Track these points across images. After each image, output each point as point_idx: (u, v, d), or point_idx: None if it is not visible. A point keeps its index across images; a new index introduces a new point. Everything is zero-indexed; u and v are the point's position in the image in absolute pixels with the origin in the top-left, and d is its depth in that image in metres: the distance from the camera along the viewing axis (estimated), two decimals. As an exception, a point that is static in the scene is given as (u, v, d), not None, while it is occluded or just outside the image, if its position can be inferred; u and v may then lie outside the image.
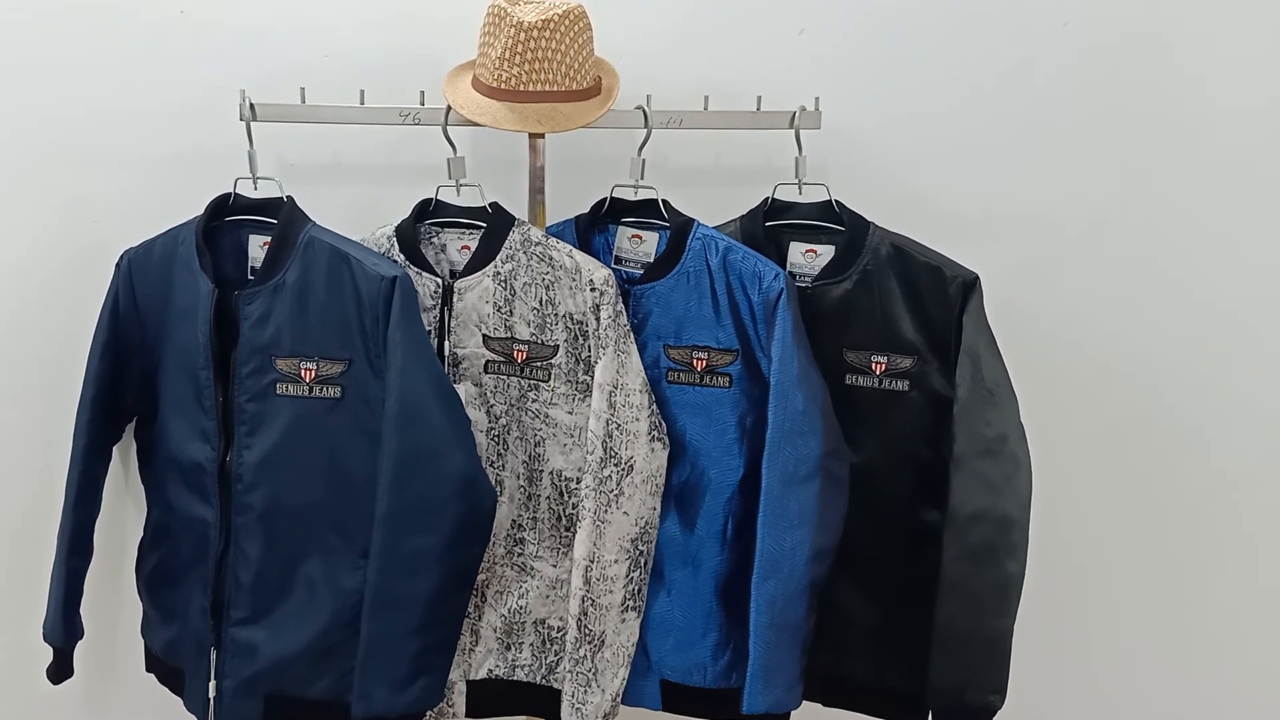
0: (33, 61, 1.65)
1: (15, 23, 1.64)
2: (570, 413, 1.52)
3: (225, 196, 1.55)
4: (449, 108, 1.53)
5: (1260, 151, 1.79)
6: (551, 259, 1.50)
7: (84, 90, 1.66)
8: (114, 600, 1.75)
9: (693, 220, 1.53)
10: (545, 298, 1.50)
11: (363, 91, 1.55)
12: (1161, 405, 1.85)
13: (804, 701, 1.53)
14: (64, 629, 1.59)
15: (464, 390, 1.52)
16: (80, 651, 1.64)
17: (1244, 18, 1.75)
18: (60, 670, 1.62)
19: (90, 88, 1.66)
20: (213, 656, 1.51)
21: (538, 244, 1.51)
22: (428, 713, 1.48)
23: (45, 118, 1.67)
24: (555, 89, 1.50)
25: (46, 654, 1.61)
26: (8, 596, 1.74)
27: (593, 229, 1.60)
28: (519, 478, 1.55)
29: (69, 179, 1.69)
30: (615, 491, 1.46)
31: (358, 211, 1.63)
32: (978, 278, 1.50)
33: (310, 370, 1.46)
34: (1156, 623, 1.92)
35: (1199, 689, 1.94)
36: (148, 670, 1.66)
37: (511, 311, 1.51)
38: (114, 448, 1.64)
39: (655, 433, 1.49)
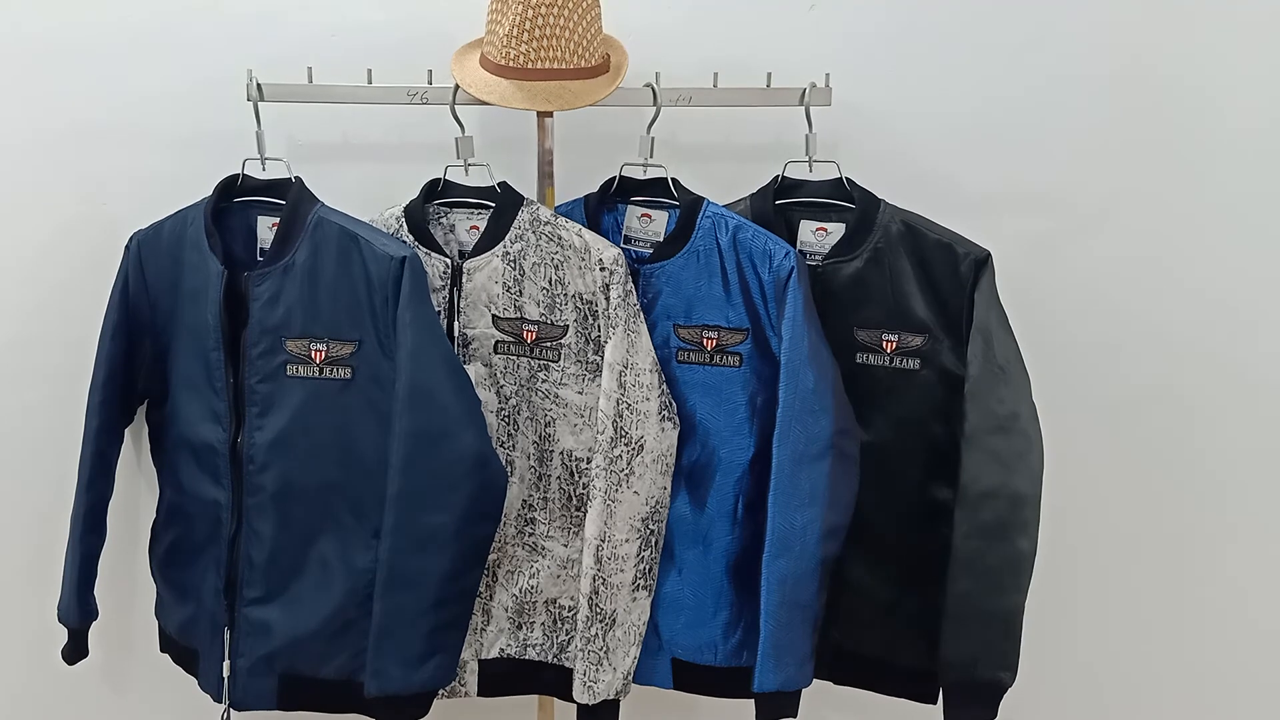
0: (41, 45, 1.65)
1: (23, 7, 1.64)
2: (580, 393, 1.51)
3: (234, 177, 1.55)
4: (457, 86, 1.52)
5: (1274, 133, 1.76)
6: (560, 238, 1.49)
7: (93, 73, 1.66)
8: (129, 581, 1.76)
9: (702, 199, 1.52)
10: (554, 277, 1.50)
11: (370, 70, 1.54)
12: (1173, 383, 1.84)
13: (815, 679, 1.53)
14: (79, 610, 1.60)
15: (474, 371, 1.52)
16: (96, 632, 1.65)
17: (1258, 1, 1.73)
18: (75, 651, 1.63)
19: (99, 70, 1.66)
20: (226, 636, 1.52)
21: (546, 223, 1.50)
22: (440, 691, 1.49)
23: (55, 101, 1.67)
24: (563, 66, 1.48)
25: (62, 634, 1.63)
26: (25, 577, 1.75)
27: (602, 208, 1.59)
28: (529, 458, 1.55)
29: (79, 162, 1.69)
30: (626, 471, 1.46)
31: (367, 191, 1.62)
32: (989, 255, 1.49)
33: (320, 351, 1.46)
34: (1169, 600, 1.91)
35: (1210, 666, 1.93)
36: (162, 650, 1.68)
37: (521, 291, 1.51)
38: (126, 429, 1.64)
39: (665, 412, 1.49)
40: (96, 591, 1.63)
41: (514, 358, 1.53)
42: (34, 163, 1.68)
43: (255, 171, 1.55)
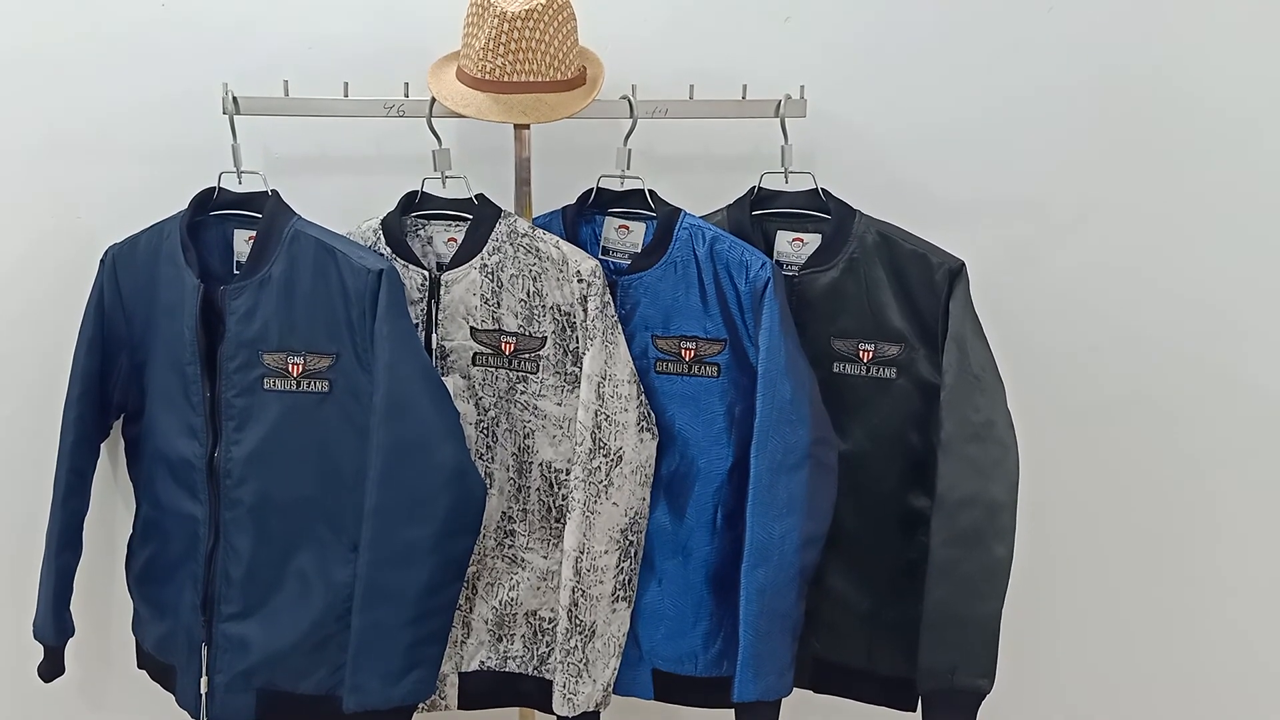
0: (16, 57, 1.64)
1: (-3, 19, 1.63)
2: (559, 404, 1.52)
3: (209, 191, 1.54)
4: (433, 99, 1.52)
5: (1249, 138, 1.78)
6: (538, 250, 1.49)
7: (68, 85, 1.65)
8: (106, 597, 1.74)
9: (679, 210, 1.53)
10: (532, 289, 1.50)
11: (346, 83, 1.54)
12: (1148, 390, 1.85)
13: (795, 688, 1.54)
14: (54, 626, 1.58)
15: (452, 383, 1.52)
16: (73, 648, 1.64)
17: (1232, 8, 1.74)
18: (51, 668, 1.62)
19: (75, 83, 1.65)
20: (204, 652, 1.51)
21: (524, 235, 1.50)
22: (420, 705, 1.48)
23: (30, 114, 1.66)
24: (540, 79, 1.49)
25: (38, 651, 1.61)
26: (0, 594, 1.74)
27: (580, 220, 1.60)
28: (508, 470, 1.55)
29: (55, 175, 1.68)
30: (604, 482, 1.47)
31: (344, 204, 1.61)
32: (964, 264, 1.50)
33: (298, 365, 1.46)
34: (1148, 606, 1.93)
35: (1190, 671, 1.95)
36: (140, 667, 1.66)
37: (499, 303, 1.51)
38: (101, 444, 1.63)
39: (644, 423, 1.49)
40: (73, 608, 1.62)
41: (492, 369, 1.53)
42: (8, 175, 1.67)
43: (231, 185, 1.54)
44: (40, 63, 1.65)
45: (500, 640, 1.58)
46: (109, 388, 1.59)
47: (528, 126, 1.57)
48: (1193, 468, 1.88)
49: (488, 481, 1.53)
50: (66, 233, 1.68)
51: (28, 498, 1.65)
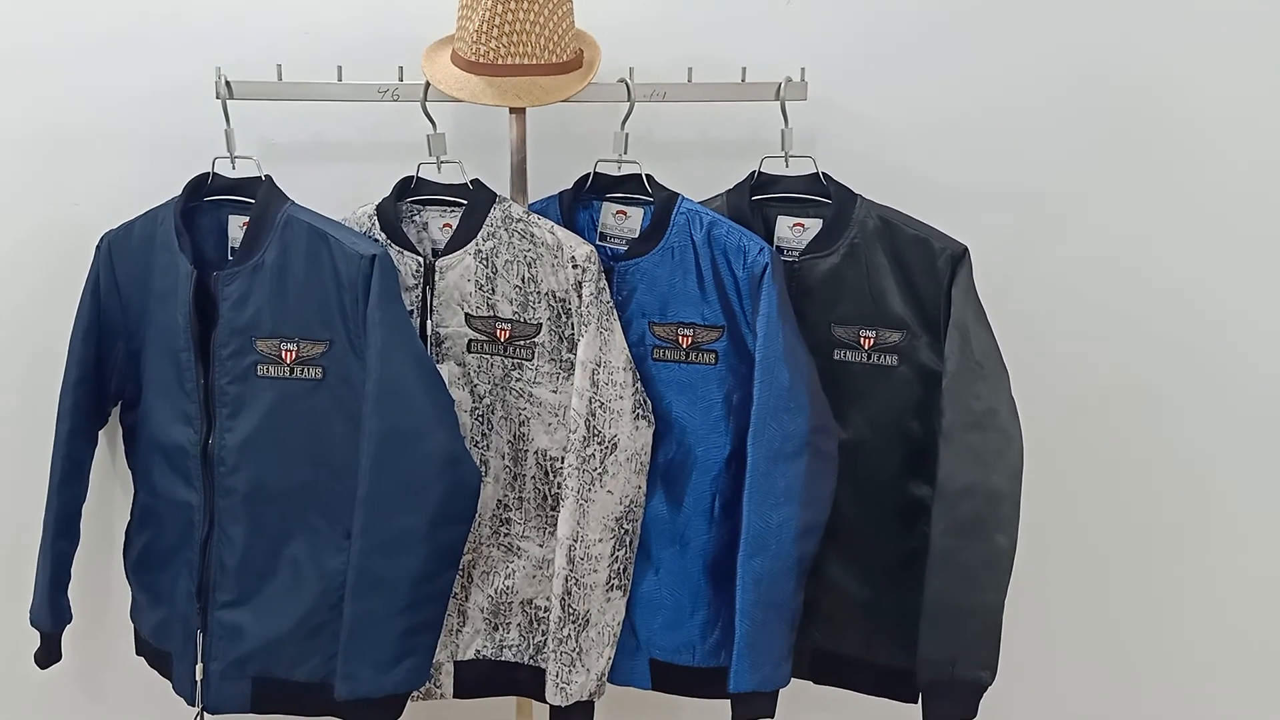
0: (8, 47, 1.64)
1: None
2: (554, 391, 1.50)
3: (203, 176, 1.54)
4: (428, 83, 1.51)
5: (1250, 129, 1.75)
6: (533, 236, 1.48)
7: (62, 74, 1.65)
8: (105, 584, 1.75)
9: (677, 195, 1.51)
10: (527, 275, 1.48)
11: (340, 68, 1.53)
12: (1148, 381, 1.83)
13: (794, 679, 1.52)
14: (51, 613, 1.59)
15: (447, 370, 1.51)
16: (71, 635, 1.64)
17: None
18: (48, 655, 1.62)
19: (67, 76, 1.65)
20: (199, 639, 1.51)
21: (519, 221, 1.49)
22: (415, 693, 1.48)
23: (23, 103, 1.66)
24: (534, 62, 1.47)
25: (35, 638, 1.61)
26: (-2, 581, 1.75)
27: (577, 205, 1.58)
28: (504, 457, 1.54)
29: (49, 168, 1.68)
30: (599, 470, 1.45)
31: (340, 190, 1.61)
32: (966, 250, 1.48)
33: (291, 351, 1.45)
34: (1151, 598, 1.90)
35: (1191, 663, 1.92)
36: (138, 653, 1.67)
37: (494, 290, 1.50)
38: (100, 431, 1.63)
39: (640, 410, 1.48)
40: (72, 595, 1.62)
41: (487, 356, 1.52)
42: (4, 167, 1.67)
43: (225, 170, 1.54)
44: (33, 56, 1.64)
45: (496, 629, 1.57)
46: (106, 375, 1.59)
47: (523, 110, 1.55)
48: (1192, 458, 1.86)
49: (483, 469, 1.51)
50: (60, 225, 1.68)
51: (26, 486, 1.65)
